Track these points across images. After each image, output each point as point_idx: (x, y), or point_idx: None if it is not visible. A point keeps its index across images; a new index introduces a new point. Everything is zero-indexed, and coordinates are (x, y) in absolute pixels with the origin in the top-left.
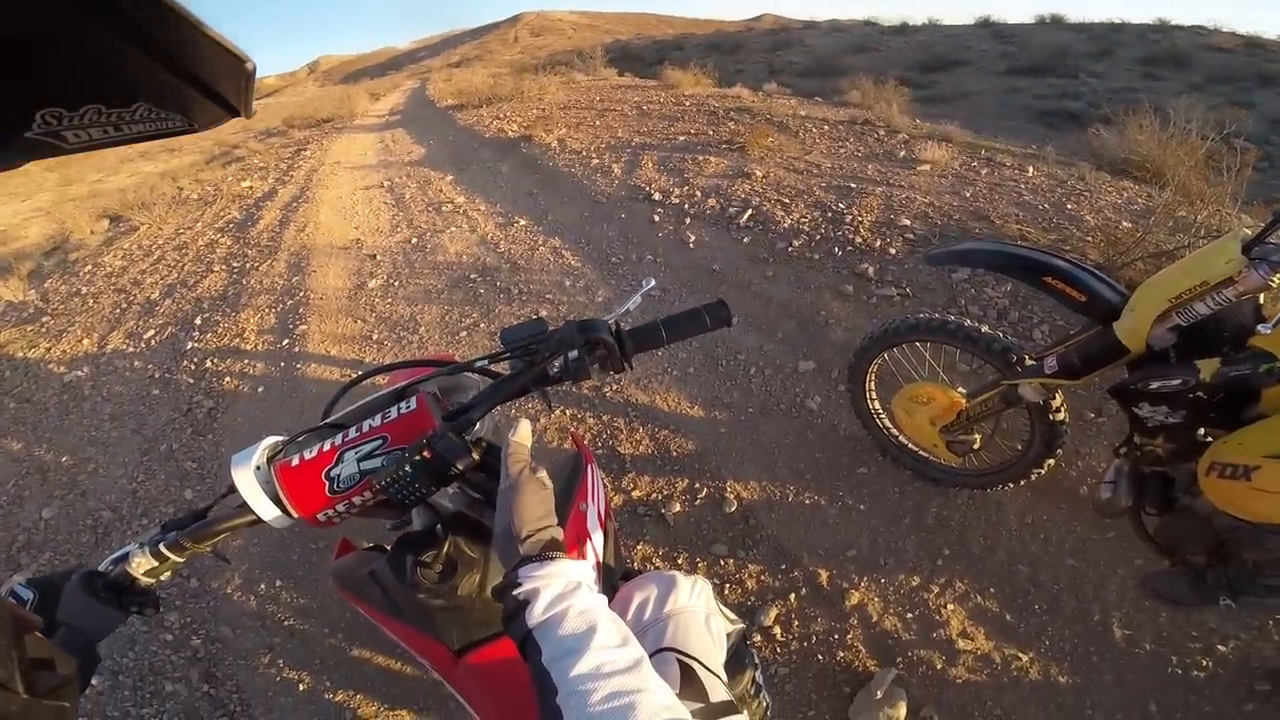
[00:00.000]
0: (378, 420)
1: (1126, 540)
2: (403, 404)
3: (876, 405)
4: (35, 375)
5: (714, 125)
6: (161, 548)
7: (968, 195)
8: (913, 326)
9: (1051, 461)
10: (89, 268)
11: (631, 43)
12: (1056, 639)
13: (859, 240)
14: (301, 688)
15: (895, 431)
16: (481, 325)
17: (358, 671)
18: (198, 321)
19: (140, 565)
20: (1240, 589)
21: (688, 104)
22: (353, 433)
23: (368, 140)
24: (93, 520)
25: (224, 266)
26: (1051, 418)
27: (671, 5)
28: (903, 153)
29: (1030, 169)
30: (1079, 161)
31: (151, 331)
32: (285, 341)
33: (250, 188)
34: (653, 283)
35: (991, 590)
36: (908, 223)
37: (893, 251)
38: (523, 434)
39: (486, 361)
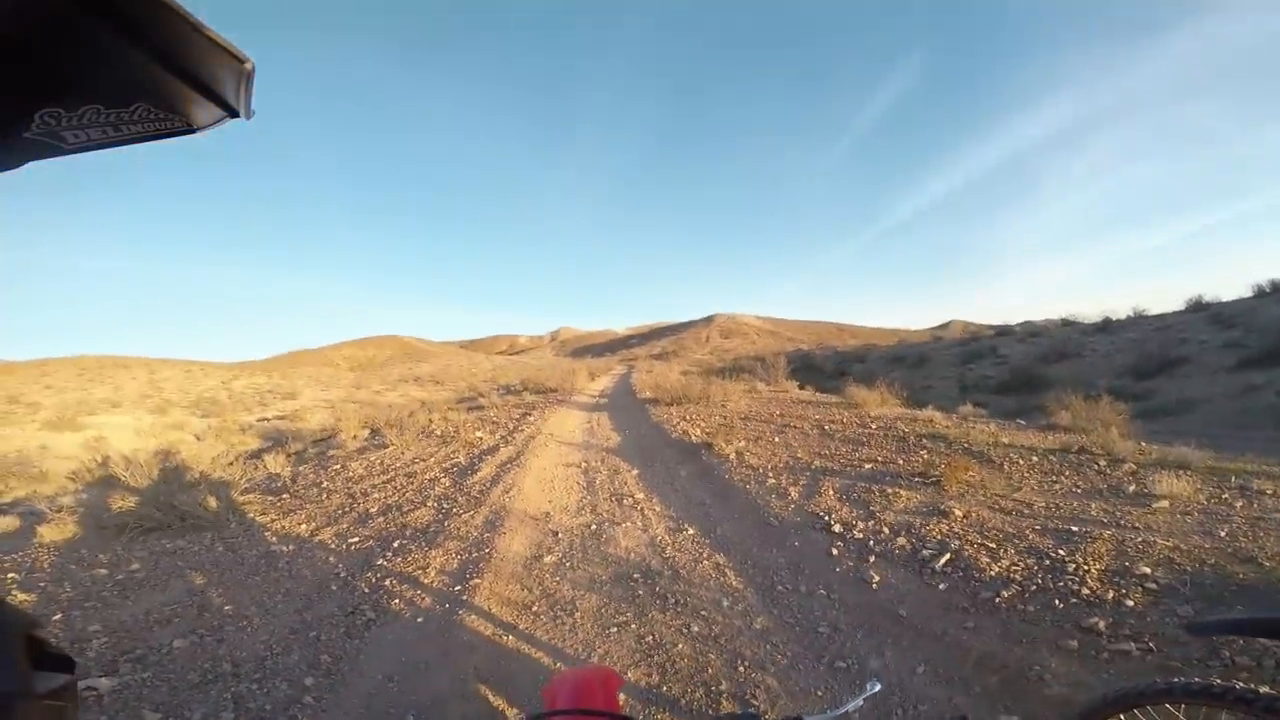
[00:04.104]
0: None
1: None
2: None
3: None
4: (252, 535)
5: (904, 453)
6: None
7: (1223, 535)
8: (1164, 691)
9: None
10: (337, 466)
11: (813, 353)
12: None
13: (1086, 591)
14: None
15: None
16: (632, 626)
17: None
18: (395, 544)
19: None
20: None
21: (873, 426)
22: None
23: (578, 418)
24: (210, 665)
25: (436, 505)
26: None
27: (853, 313)
28: (1132, 486)
29: None
30: None
31: (356, 539)
32: (458, 588)
33: (480, 439)
34: (878, 686)
35: None
36: (1147, 570)
37: (1129, 604)
38: None
39: None
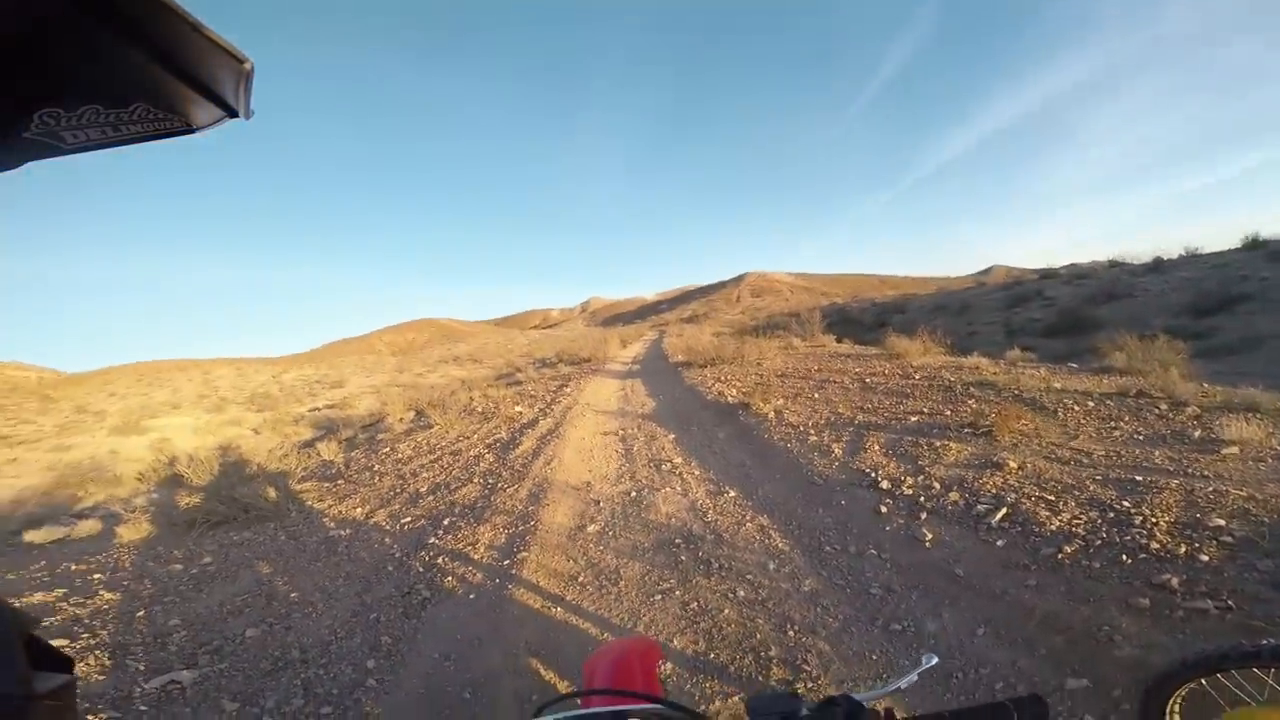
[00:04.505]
0: None
1: None
2: None
3: None
4: (311, 522)
5: (951, 403)
6: None
7: None
8: (1250, 653)
9: None
10: (386, 449)
11: (849, 305)
12: None
13: (1155, 546)
14: None
15: None
16: (676, 593)
17: None
18: (445, 522)
19: None
20: None
21: (917, 376)
22: None
23: (613, 386)
24: (280, 652)
25: (481, 481)
26: None
27: (890, 264)
28: (1197, 432)
29: None
30: None
31: (408, 519)
32: (506, 562)
33: (519, 413)
34: (935, 660)
35: None
36: (1220, 522)
37: (1204, 558)
38: None
39: None
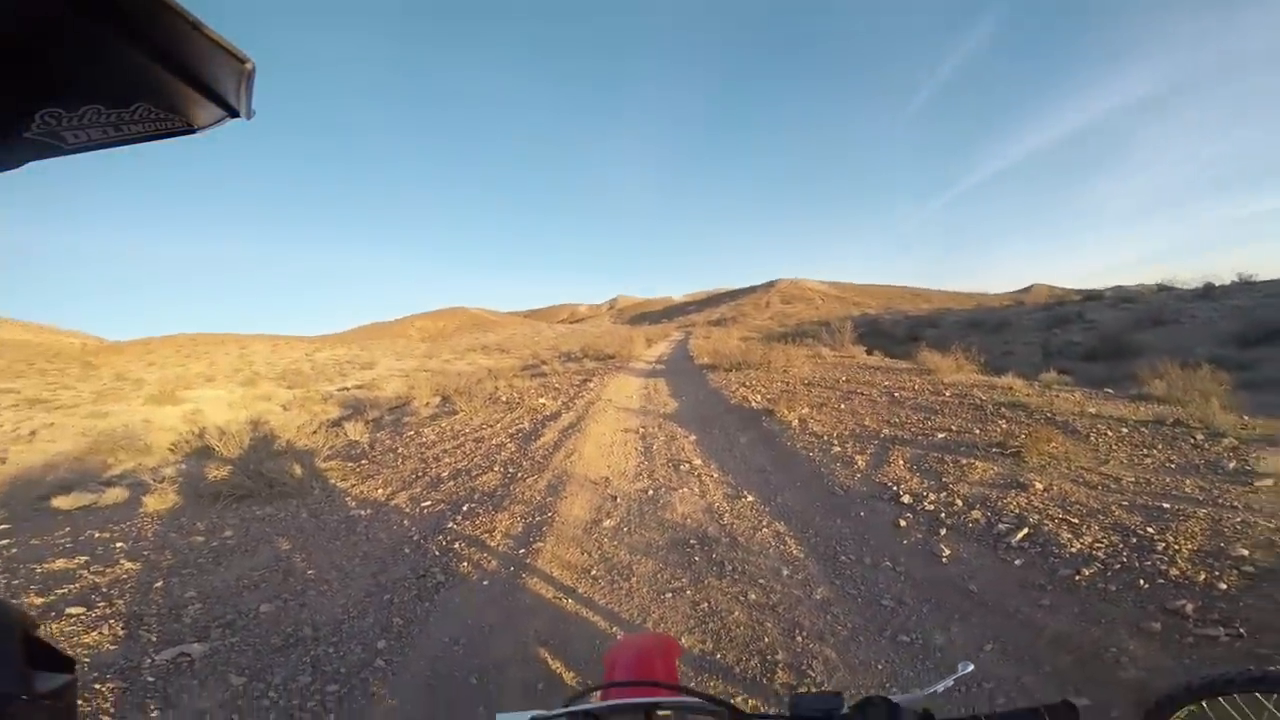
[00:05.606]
0: None
1: None
2: None
3: None
4: (333, 500)
5: (980, 423)
6: None
7: None
8: (1256, 679)
9: None
10: (411, 433)
11: (881, 317)
12: None
13: (1174, 572)
14: None
15: None
16: (687, 592)
17: None
18: (464, 508)
19: None
20: None
21: (947, 394)
22: None
23: (636, 384)
24: (292, 629)
25: (502, 469)
26: None
27: (926, 278)
28: (1232, 463)
29: None
30: None
31: (429, 503)
32: (521, 551)
33: (543, 405)
34: (970, 667)
35: None
36: (1244, 552)
37: (1223, 586)
38: None
39: None
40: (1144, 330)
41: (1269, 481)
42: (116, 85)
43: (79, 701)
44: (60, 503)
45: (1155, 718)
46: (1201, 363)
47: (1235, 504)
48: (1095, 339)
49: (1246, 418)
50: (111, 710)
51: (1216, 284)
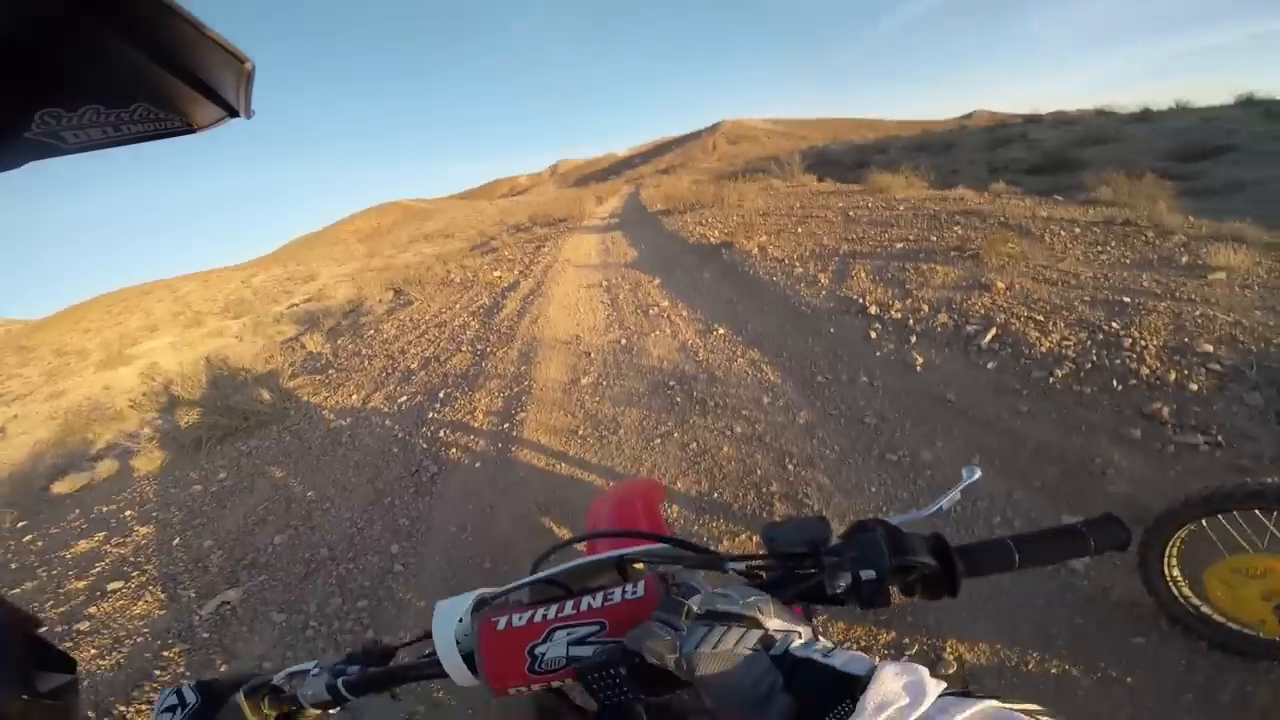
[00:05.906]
0: (598, 601)
1: None
2: (629, 587)
3: (1176, 573)
4: (312, 418)
5: (936, 230)
6: (340, 684)
7: None
8: (1254, 493)
9: None
10: (371, 332)
11: (828, 148)
12: None
13: (1145, 371)
14: None
15: (1198, 602)
16: (675, 435)
17: None
18: (441, 395)
19: (313, 697)
20: None
21: (901, 208)
22: (569, 608)
23: (592, 241)
24: (310, 554)
25: (470, 348)
26: None
27: (869, 108)
28: (1184, 258)
29: None
30: None
31: (405, 398)
32: (505, 425)
33: (499, 277)
34: (978, 473)
35: None
36: (1209, 348)
37: (1193, 387)
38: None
39: (743, 565)
40: (1085, 148)
41: (1221, 275)
42: (116, 85)
43: (79, 703)
44: (60, 488)
45: (1155, 536)
46: (1145, 172)
47: (1193, 297)
48: (1039, 155)
49: (1192, 218)
50: (187, 675)
51: (1154, 109)
